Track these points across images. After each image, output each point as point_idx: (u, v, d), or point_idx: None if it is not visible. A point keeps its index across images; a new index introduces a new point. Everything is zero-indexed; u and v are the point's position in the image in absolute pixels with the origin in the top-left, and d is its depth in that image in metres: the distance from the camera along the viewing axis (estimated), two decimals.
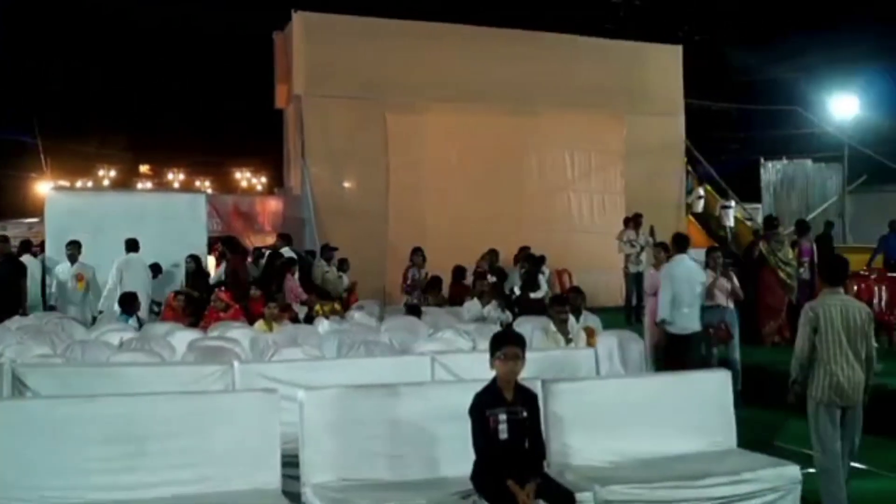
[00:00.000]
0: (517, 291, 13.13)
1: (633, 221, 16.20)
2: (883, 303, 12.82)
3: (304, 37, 17.74)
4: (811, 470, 7.05)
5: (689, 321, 9.83)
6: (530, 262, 13.68)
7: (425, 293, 13.20)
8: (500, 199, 18.09)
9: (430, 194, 17.81)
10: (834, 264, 6.83)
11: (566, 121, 18.80)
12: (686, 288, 9.84)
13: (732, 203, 20.60)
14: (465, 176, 18.13)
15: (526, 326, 9.03)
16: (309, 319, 10.82)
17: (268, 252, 14.96)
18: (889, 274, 14.46)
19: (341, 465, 5.58)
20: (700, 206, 21.35)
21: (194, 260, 13.86)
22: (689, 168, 21.88)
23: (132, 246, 12.94)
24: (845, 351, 6.34)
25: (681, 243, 10.46)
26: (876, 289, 12.98)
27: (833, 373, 6.31)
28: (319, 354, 8.18)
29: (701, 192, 21.64)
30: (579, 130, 19.01)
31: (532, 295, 12.74)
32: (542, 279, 13.51)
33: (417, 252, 14.25)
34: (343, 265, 14.83)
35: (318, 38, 17.72)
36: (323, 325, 10.16)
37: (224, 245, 14.83)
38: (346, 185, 18.04)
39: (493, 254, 14.86)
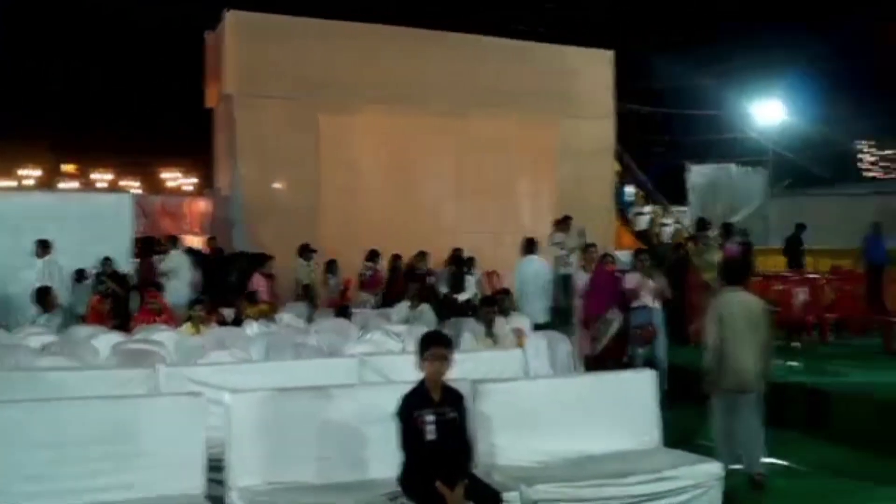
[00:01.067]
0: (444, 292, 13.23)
1: (562, 224, 16.36)
2: (802, 303, 13.16)
3: (235, 36, 17.53)
4: (735, 467, 7.23)
5: (536, 314, 11.33)
6: (456, 264, 13.75)
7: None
8: (432, 201, 18.16)
9: (361, 196, 17.75)
10: (733, 266, 7.92)
11: (498, 123, 18.90)
12: (531, 286, 11.71)
13: (670, 221, 20.46)
14: (397, 178, 18.14)
15: (455, 327, 9.07)
16: (237, 322, 10.70)
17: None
18: (808, 275, 14.88)
19: (268, 469, 5.54)
20: (644, 222, 20.42)
21: (107, 262, 13.61)
22: (639, 189, 22.06)
23: (44, 247, 12.69)
24: (746, 342, 7.04)
25: (529, 246, 12.58)
26: (796, 290, 13.32)
27: (736, 362, 7.02)
28: (247, 357, 8.11)
29: (647, 209, 21.07)
30: (511, 133, 19.11)
31: (458, 297, 12.83)
32: (469, 281, 13.58)
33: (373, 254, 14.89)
34: (332, 267, 14.90)
35: (250, 38, 17.53)
36: (251, 327, 10.07)
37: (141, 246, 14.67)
38: (277, 185, 17.87)
39: (421, 255, 14.92)
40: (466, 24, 20.03)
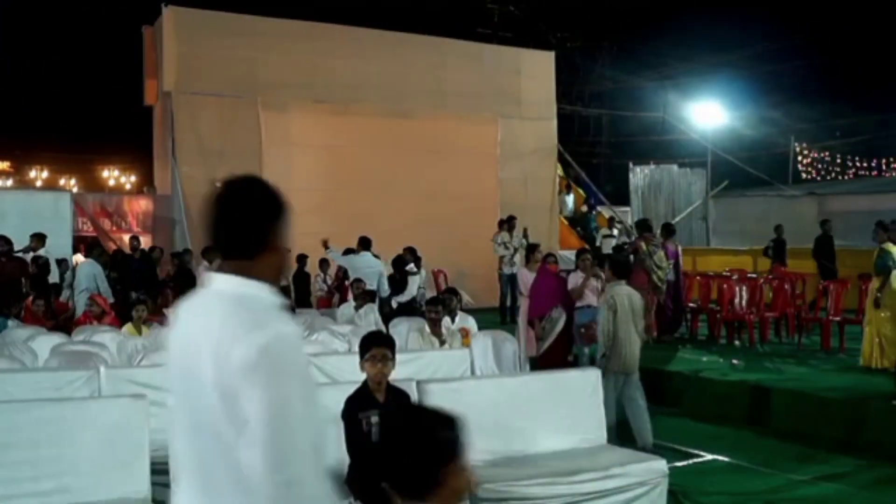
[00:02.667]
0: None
1: (506, 224, 16.46)
2: (743, 302, 13.38)
3: (174, 32, 17.31)
4: (678, 464, 7.34)
5: None
6: (396, 265, 13.75)
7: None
8: (375, 201, 18.10)
9: (303, 194, 17.56)
10: (621, 262, 8.67)
11: (440, 123, 18.96)
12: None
13: (615, 232, 20.42)
14: (339, 177, 18.07)
15: (401, 327, 9.06)
16: None
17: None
18: (748, 274, 15.14)
19: None
20: (610, 244, 18.70)
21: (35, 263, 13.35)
22: (603, 212, 22.09)
23: None
24: (631, 330, 7.98)
25: (363, 243, 13.54)
26: (737, 289, 13.54)
27: (624, 347, 7.92)
28: None
29: (615, 232, 20.09)
30: (453, 133, 19.18)
31: (398, 298, 12.83)
32: (415, 281, 13.59)
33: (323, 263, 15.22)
34: (323, 265, 15.18)
35: (189, 34, 17.33)
36: None
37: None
38: (218, 184, 17.61)
39: None
40: (410, 24, 20.03)
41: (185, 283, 12.76)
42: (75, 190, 31.34)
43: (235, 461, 2.20)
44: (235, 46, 17.29)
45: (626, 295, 8.12)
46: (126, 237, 16.49)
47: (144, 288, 12.59)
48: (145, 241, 16.83)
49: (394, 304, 12.74)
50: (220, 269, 2.44)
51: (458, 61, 19.49)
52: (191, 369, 2.31)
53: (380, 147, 18.58)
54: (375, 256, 13.44)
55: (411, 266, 13.82)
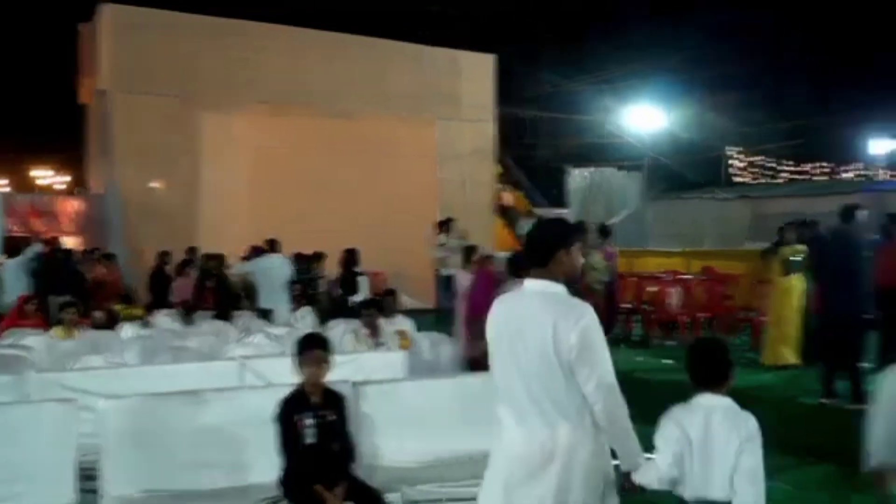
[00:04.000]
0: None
1: (444, 225, 16.50)
2: (676, 303, 13.62)
3: (111, 29, 17.01)
4: (614, 463, 7.40)
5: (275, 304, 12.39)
6: (346, 265, 13.73)
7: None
8: (313, 202, 18.00)
9: (242, 196, 17.52)
10: (516, 260, 8.55)
11: (378, 124, 18.92)
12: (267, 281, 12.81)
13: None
14: (278, 178, 17.94)
15: (337, 329, 9.03)
16: (111, 324, 10.36)
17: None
18: (679, 276, 15.40)
19: (143, 476, 5.39)
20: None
21: None
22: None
23: None
24: None
25: (271, 245, 13.57)
26: (671, 290, 13.77)
27: None
28: (122, 361, 7.87)
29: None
30: (391, 134, 19.15)
31: (352, 298, 12.80)
32: (361, 281, 13.61)
33: None
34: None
35: (127, 32, 17.02)
36: (125, 330, 9.78)
37: None
38: (155, 185, 17.42)
39: (316, 258, 14.82)
40: (350, 25, 19.97)
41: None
42: (6, 190, 30.63)
43: (576, 393, 3.76)
44: (173, 45, 17.05)
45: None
46: (65, 238, 16.19)
47: (69, 290, 12.29)
48: (77, 243, 16.54)
49: (355, 300, 12.68)
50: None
51: (396, 62, 19.47)
52: (529, 336, 3.84)
53: (318, 148, 18.49)
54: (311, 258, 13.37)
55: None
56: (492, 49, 21.15)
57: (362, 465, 5.79)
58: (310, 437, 5.09)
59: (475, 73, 20.75)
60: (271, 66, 17.85)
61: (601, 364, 3.76)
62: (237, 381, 7.04)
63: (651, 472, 3.82)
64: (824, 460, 7.73)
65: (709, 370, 3.94)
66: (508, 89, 22.30)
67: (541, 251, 3.92)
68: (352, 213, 18.28)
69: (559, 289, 3.85)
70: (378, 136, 18.99)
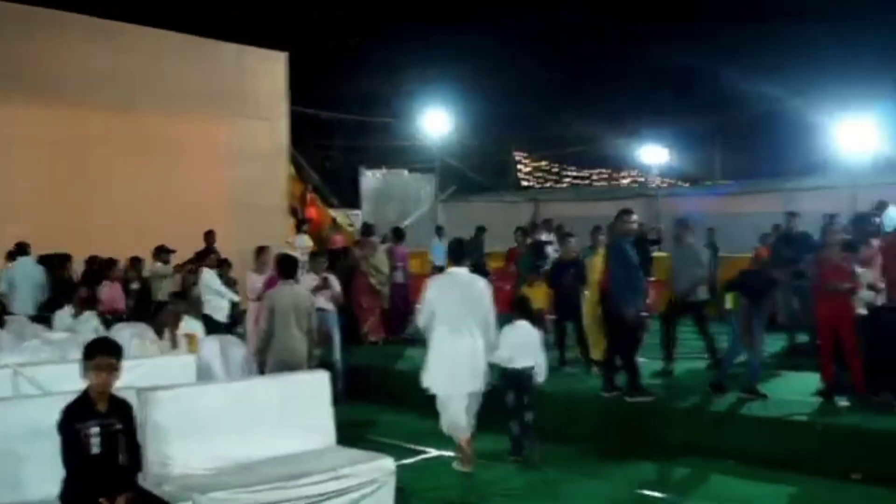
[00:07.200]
0: None
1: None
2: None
3: None
4: (406, 461, 7.54)
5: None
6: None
7: None
8: (95, 202, 16.99)
9: (18, 194, 16.34)
10: (286, 262, 8.85)
11: (165, 120, 18.11)
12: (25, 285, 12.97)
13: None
14: (57, 176, 16.83)
15: (123, 333, 8.66)
16: None
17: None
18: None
19: None
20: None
21: None
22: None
23: None
24: (293, 327, 8.29)
25: (20, 249, 13.73)
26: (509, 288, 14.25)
27: (284, 343, 8.20)
28: None
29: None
30: (179, 130, 18.38)
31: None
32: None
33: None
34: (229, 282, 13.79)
35: None
36: None
37: None
38: None
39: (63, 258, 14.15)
40: (138, 16, 19.09)
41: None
42: None
43: (485, 316, 7.85)
44: None
45: (290, 294, 8.43)
46: None
47: None
48: None
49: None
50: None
51: (185, 56, 18.71)
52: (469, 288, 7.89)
53: (103, 144, 17.44)
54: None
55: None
56: (287, 48, 20.86)
57: (151, 475, 5.60)
58: (94, 448, 4.86)
59: (265, 70, 20.32)
60: (46, 55, 16.62)
61: (491, 306, 7.85)
62: (10, 391, 6.63)
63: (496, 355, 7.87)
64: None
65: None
66: (304, 89, 22.09)
67: (459, 255, 8.10)
68: (136, 211, 17.41)
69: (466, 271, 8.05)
70: (164, 132, 18.18)
